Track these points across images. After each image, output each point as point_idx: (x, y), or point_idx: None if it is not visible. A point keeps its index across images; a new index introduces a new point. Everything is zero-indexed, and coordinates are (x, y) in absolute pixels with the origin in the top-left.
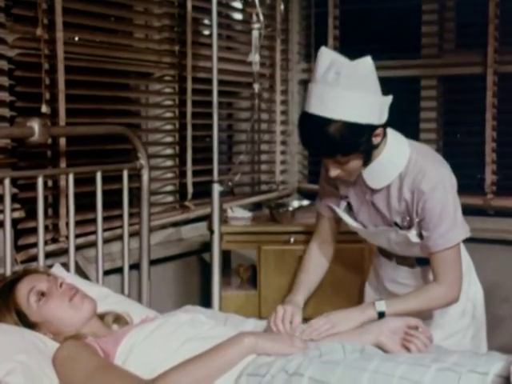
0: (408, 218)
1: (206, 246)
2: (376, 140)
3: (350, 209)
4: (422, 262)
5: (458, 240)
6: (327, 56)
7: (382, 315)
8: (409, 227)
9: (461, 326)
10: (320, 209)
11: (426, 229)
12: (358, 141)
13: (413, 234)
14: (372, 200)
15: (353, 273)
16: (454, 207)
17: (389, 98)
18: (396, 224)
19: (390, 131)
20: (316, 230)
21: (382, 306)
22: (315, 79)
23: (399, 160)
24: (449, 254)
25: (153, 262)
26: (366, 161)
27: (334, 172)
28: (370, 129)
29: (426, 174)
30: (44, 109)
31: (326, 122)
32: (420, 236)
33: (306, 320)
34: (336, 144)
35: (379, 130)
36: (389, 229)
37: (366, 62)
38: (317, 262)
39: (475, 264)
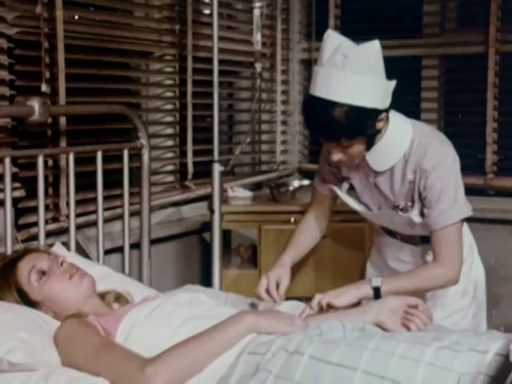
0: (410, 201)
1: (207, 226)
2: (379, 125)
3: (352, 190)
4: (427, 240)
5: (458, 218)
6: (334, 39)
7: (377, 291)
8: (411, 208)
9: (462, 305)
10: (318, 187)
11: (426, 206)
12: (363, 125)
13: (415, 214)
14: (375, 182)
15: (353, 252)
16: (456, 186)
17: (392, 83)
18: (399, 207)
19: (391, 113)
20: (312, 204)
21: (377, 281)
22: (321, 62)
23: (402, 142)
24: (449, 233)
25: (153, 242)
26: (369, 145)
27: (337, 156)
28: (375, 113)
29: (429, 153)
30: (44, 88)
31: (332, 105)
32: (422, 215)
33: (308, 299)
34: (341, 127)
35: (383, 115)
36: (392, 212)
37: (374, 46)
38: (310, 229)
39: (476, 244)
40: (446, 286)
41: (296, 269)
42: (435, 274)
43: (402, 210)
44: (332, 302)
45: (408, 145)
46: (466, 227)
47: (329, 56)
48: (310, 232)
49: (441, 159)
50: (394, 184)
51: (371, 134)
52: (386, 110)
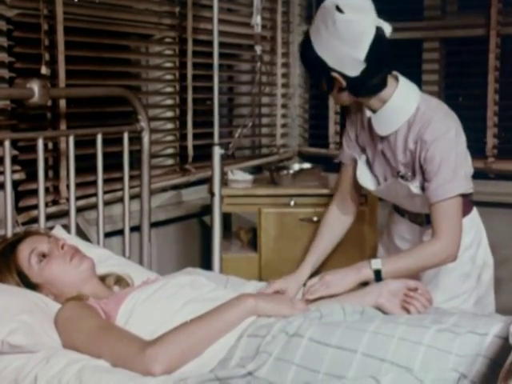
0: (411, 171)
1: (207, 209)
2: (339, 84)
3: (368, 163)
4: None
5: (456, 193)
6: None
7: (378, 273)
8: (412, 178)
9: (464, 289)
10: (343, 158)
11: (426, 179)
12: (320, 76)
13: (415, 186)
14: (382, 149)
15: (352, 235)
16: (457, 161)
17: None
18: (399, 173)
19: (403, 79)
20: (337, 188)
21: (377, 263)
22: (317, 14)
23: (407, 107)
24: (447, 207)
25: (153, 225)
26: (355, 94)
27: (334, 101)
28: (329, 71)
29: (431, 125)
30: (43, 70)
31: (309, 47)
32: (423, 189)
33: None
34: (309, 71)
35: (341, 79)
36: (395, 181)
37: (368, 25)
38: (333, 225)
39: None
40: (445, 262)
41: (295, 253)
42: (434, 251)
43: (402, 177)
44: (331, 292)
45: (413, 112)
46: (475, 211)
47: (323, 13)
48: (334, 229)
49: (442, 132)
50: (396, 152)
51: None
52: (380, 73)
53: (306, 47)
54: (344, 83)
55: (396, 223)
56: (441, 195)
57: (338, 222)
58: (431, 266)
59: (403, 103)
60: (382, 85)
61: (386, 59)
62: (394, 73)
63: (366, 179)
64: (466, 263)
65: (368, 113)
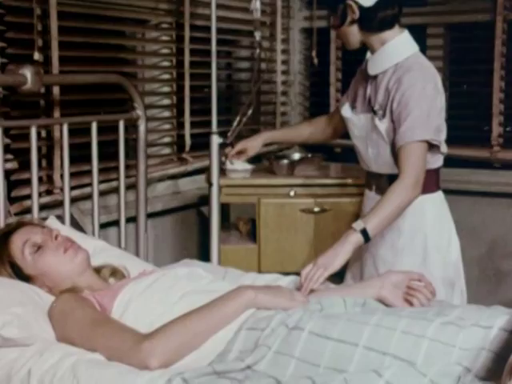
0: (383, 111)
1: (205, 199)
2: (352, 15)
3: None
4: None
5: (424, 137)
6: None
7: (365, 233)
8: (381, 118)
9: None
10: (340, 101)
11: (397, 124)
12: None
13: (382, 123)
14: (370, 93)
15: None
16: (430, 112)
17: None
18: (373, 108)
19: (407, 33)
20: (327, 115)
21: (360, 224)
22: None
23: (400, 53)
24: (413, 150)
25: (150, 215)
26: (363, 28)
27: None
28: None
29: (413, 72)
30: (36, 56)
31: None
32: (388, 138)
33: None
34: None
35: (355, 8)
36: (366, 116)
37: None
38: (312, 126)
39: (481, 218)
40: (413, 198)
41: (295, 244)
42: (403, 186)
43: (375, 113)
44: (331, 271)
45: (403, 59)
46: (444, 202)
47: None
48: (305, 129)
49: (421, 81)
50: (378, 91)
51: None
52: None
53: None
54: (357, 13)
55: (366, 203)
56: (408, 137)
57: (317, 127)
58: (404, 204)
59: (398, 49)
60: (390, 23)
61: None
62: (403, 27)
63: (346, 109)
64: (440, 265)
65: (368, 55)
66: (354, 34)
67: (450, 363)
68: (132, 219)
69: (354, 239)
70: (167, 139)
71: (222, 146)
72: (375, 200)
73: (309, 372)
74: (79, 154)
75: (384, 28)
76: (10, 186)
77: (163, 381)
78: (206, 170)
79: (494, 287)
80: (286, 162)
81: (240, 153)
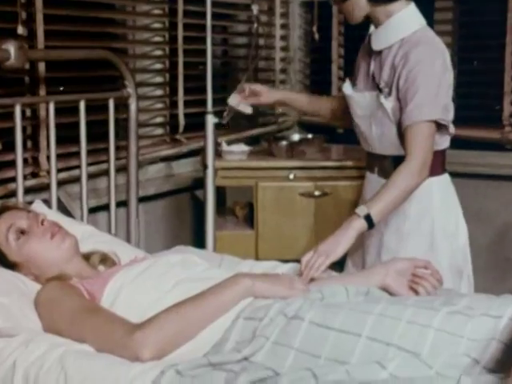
0: (388, 89)
1: (199, 183)
2: None
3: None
4: None
5: (432, 116)
6: None
7: (369, 219)
8: (387, 96)
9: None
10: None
11: (404, 102)
12: None
13: (388, 101)
14: (373, 70)
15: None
16: (439, 90)
17: None
18: (379, 86)
19: (414, 6)
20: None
21: (363, 210)
22: None
23: (406, 27)
24: (420, 130)
25: (142, 200)
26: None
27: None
28: None
29: (420, 46)
30: (20, 30)
31: None
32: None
33: None
34: None
35: None
36: (371, 94)
37: None
38: (324, 100)
39: (489, 202)
40: (420, 181)
41: (295, 230)
42: (410, 170)
43: (380, 90)
44: (333, 259)
45: (409, 33)
46: (451, 186)
47: None
48: (318, 101)
49: (428, 57)
50: (383, 67)
51: None
52: None
53: None
54: None
55: (367, 186)
56: (416, 116)
57: (328, 103)
58: (411, 188)
59: (405, 22)
60: None
61: None
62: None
63: (347, 86)
64: (448, 252)
65: (371, 29)
66: (360, 6)
67: (458, 354)
68: (122, 203)
69: (357, 225)
70: (160, 119)
71: (217, 127)
72: (377, 183)
73: (309, 363)
74: (66, 135)
75: None
76: None
77: (156, 373)
78: (200, 152)
79: (502, 275)
80: (285, 143)
81: (251, 95)
